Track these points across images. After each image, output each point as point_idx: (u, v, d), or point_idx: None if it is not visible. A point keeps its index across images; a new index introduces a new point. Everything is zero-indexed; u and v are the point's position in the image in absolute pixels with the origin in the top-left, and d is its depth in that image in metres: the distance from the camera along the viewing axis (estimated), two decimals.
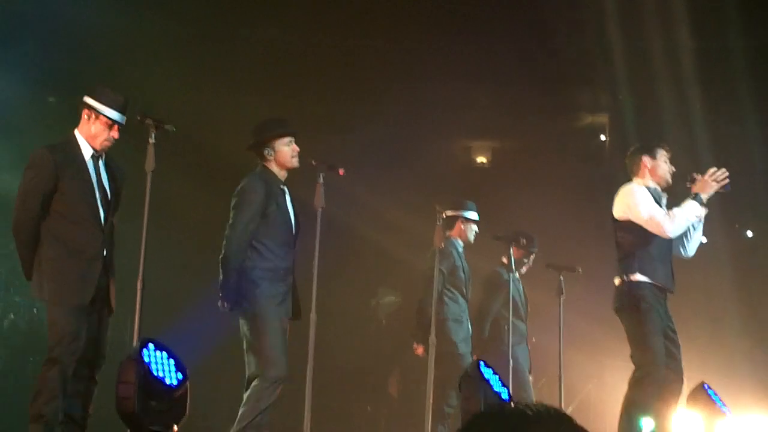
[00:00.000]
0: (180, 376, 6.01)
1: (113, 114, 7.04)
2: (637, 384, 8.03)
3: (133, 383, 5.82)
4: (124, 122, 7.10)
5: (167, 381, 5.95)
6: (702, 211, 8.26)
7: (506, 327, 10.04)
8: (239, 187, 7.85)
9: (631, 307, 8.15)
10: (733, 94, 12.94)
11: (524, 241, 10.23)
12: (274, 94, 11.97)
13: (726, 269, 12.55)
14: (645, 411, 7.91)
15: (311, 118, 11.75)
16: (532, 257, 10.79)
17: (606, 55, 12.97)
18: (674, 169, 8.44)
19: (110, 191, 7.13)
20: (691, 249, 8.52)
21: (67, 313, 6.93)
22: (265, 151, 7.88)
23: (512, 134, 14.85)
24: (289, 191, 7.94)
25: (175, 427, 6.01)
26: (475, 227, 10.23)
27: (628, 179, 8.52)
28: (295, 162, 7.89)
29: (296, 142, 7.95)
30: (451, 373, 9.01)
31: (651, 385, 7.98)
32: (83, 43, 11.53)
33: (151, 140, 6.96)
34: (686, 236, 8.44)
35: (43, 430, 6.82)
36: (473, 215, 10.19)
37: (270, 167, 7.88)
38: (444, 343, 9.52)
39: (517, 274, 10.88)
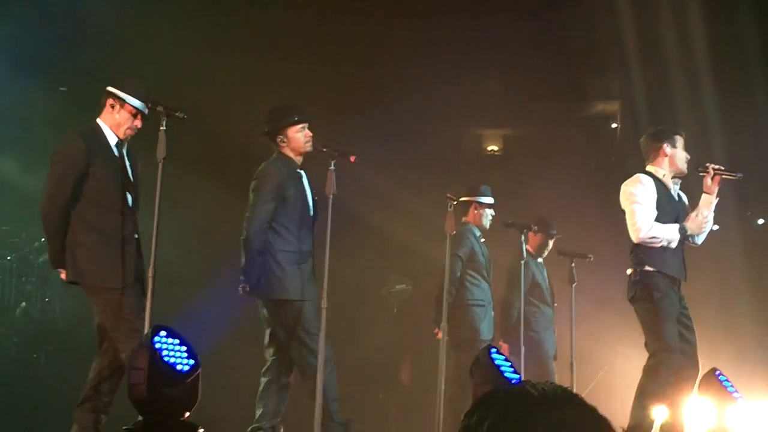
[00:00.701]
0: (191, 362, 6.02)
1: (137, 103, 7.16)
2: (650, 371, 8.03)
3: (144, 369, 5.84)
4: (146, 111, 7.19)
5: (178, 367, 5.96)
6: (701, 224, 8.23)
7: (536, 312, 10.13)
8: (258, 171, 8.06)
9: (644, 296, 8.15)
10: (746, 81, 12.89)
11: (536, 227, 10.20)
12: (285, 81, 11.96)
13: (738, 256, 12.52)
14: (658, 398, 7.91)
15: (322, 105, 11.72)
16: (551, 241, 10.75)
17: (618, 41, 12.93)
18: (689, 157, 8.39)
19: (133, 177, 7.25)
20: (700, 237, 8.48)
21: (118, 294, 6.98)
22: (279, 139, 8.09)
23: (523, 122, 14.84)
24: (306, 175, 8.12)
25: (187, 414, 6.03)
26: (490, 212, 10.20)
27: (642, 164, 8.46)
28: (308, 147, 8.08)
29: (309, 128, 8.08)
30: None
31: (664, 372, 7.98)
32: (92, 31, 11.55)
33: (162, 127, 7.03)
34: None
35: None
36: (488, 200, 10.17)
37: (286, 153, 8.07)
38: (466, 329, 9.56)
39: (540, 259, 10.89)
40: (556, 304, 10.85)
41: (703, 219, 8.25)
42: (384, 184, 12.16)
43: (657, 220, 8.15)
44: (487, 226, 10.21)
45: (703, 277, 10.93)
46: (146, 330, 6.37)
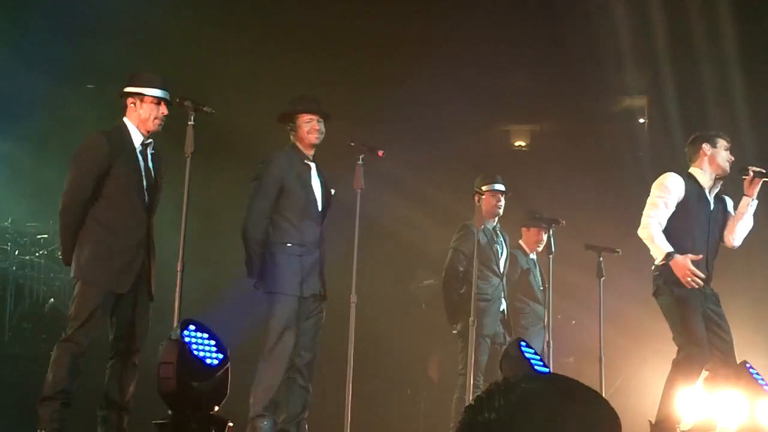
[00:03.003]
0: (221, 356, 6.03)
1: (156, 92, 7.15)
2: (678, 366, 8.02)
3: (174, 363, 5.84)
4: (169, 97, 7.18)
5: (208, 361, 5.97)
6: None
7: (524, 308, 10.12)
8: (260, 160, 8.02)
9: (666, 290, 8.20)
10: None
11: (544, 224, 10.15)
12: (313, 77, 11.96)
13: (767, 250, 12.43)
14: (687, 393, 7.90)
15: (351, 101, 11.74)
16: (545, 235, 10.56)
17: (645, 36, 12.88)
18: (732, 159, 8.45)
19: (155, 178, 7.21)
20: (737, 239, 8.55)
21: (96, 295, 6.95)
22: (289, 126, 8.02)
23: (550, 118, 14.82)
24: (318, 167, 8.03)
25: (216, 408, 6.03)
26: (494, 199, 9.92)
27: (670, 160, 8.55)
28: (313, 139, 7.95)
29: (333, 124, 8.03)
30: (477, 353, 9.01)
31: (693, 366, 7.97)
32: (116, 30, 11.60)
33: (190, 122, 7.05)
34: (734, 227, 8.48)
35: (49, 410, 6.85)
36: (498, 186, 9.94)
37: (296, 142, 8.00)
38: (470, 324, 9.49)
39: (533, 255, 10.80)
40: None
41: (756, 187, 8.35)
42: (412, 179, 12.16)
43: (682, 218, 8.25)
44: (500, 213, 9.97)
45: (733, 271, 10.86)
46: (174, 325, 6.38)
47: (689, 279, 8.07)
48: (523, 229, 10.72)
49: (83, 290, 6.98)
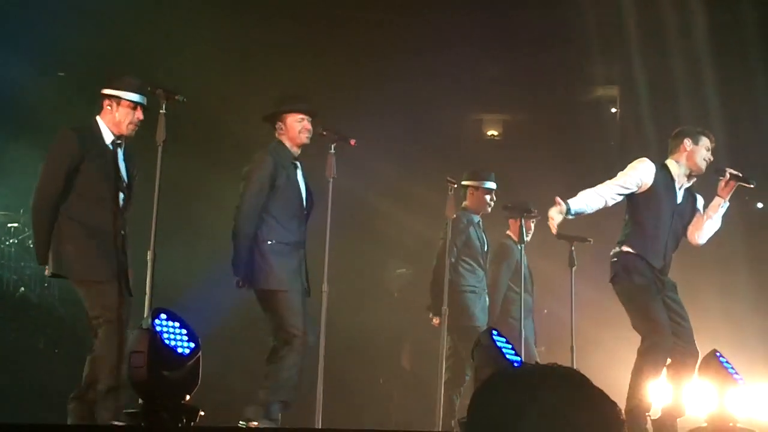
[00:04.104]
0: (192, 345, 6.03)
1: (134, 96, 7.16)
2: (645, 354, 8.05)
3: (145, 352, 5.83)
4: (145, 102, 7.19)
5: (179, 350, 5.96)
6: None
7: (516, 299, 10.04)
8: (251, 159, 7.95)
9: (625, 278, 8.23)
10: (746, 67, 12.88)
11: (536, 211, 10.15)
12: (285, 66, 11.94)
13: (737, 241, 12.49)
14: (654, 381, 7.96)
15: (322, 89, 11.71)
16: (532, 224, 10.60)
17: (618, 26, 12.91)
18: (711, 159, 8.45)
19: (127, 177, 7.23)
20: (702, 237, 8.58)
21: (99, 288, 6.96)
22: (277, 125, 7.96)
23: (523, 107, 14.82)
24: (302, 167, 8.01)
25: (188, 397, 6.02)
26: (488, 197, 10.02)
27: (643, 150, 8.59)
28: (303, 139, 7.93)
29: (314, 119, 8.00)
30: (470, 346, 9.02)
31: (658, 354, 8.02)
32: (93, 16, 11.51)
33: (162, 111, 7.05)
34: (701, 225, 8.52)
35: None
36: (490, 185, 10.02)
37: (283, 141, 7.94)
38: (461, 316, 9.49)
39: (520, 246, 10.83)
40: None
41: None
42: (384, 168, 12.15)
43: (645, 206, 8.32)
44: (488, 211, 10.12)
45: (703, 262, 10.93)
46: (145, 314, 6.36)
47: (549, 223, 8.09)
48: (511, 221, 10.66)
49: (86, 291, 7.01)
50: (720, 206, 8.43)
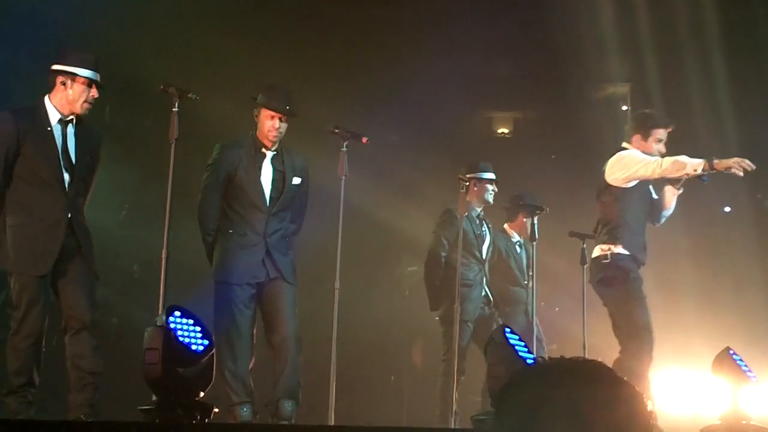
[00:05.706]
0: (206, 342, 6.04)
1: (88, 73, 7.00)
2: (638, 353, 8.11)
3: (159, 350, 5.85)
4: (99, 79, 7.04)
5: (193, 347, 5.98)
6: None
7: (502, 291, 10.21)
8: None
9: (622, 279, 8.22)
10: (758, 64, 12.86)
11: (548, 209, 10.13)
12: (296, 63, 11.93)
13: (749, 238, 12.48)
14: (647, 379, 8.03)
15: (335, 88, 11.74)
16: (535, 218, 10.54)
17: (628, 23, 12.89)
18: (664, 151, 8.42)
19: (77, 156, 7.04)
20: (659, 219, 8.65)
21: (26, 283, 6.85)
22: (254, 113, 7.94)
23: (534, 105, 14.81)
24: (280, 156, 7.94)
25: (201, 394, 6.04)
26: (491, 188, 9.97)
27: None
28: (271, 137, 7.86)
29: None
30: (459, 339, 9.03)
31: (648, 355, 8.10)
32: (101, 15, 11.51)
33: (175, 109, 7.01)
34: (660, 208, 8.49)
35: (15, 401, 6.80)
36: (488, 175, 9.97)
37: (257, 133, 7.93)
38: (452, 309, 9.48)
39: (517, 238, 10.79)
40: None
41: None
42: (396, 165, 12.15)
43: (640, 201, 8.45)
44: (490, 201, 10.04)
45: (715, 259, 10.93)
46: (160, 311, 6.37)
47: (739, 164, 7.95)
48: (521, 217, 10.64)
49: (15, 282, 6.89)
50: (674, 195, 8.51)
